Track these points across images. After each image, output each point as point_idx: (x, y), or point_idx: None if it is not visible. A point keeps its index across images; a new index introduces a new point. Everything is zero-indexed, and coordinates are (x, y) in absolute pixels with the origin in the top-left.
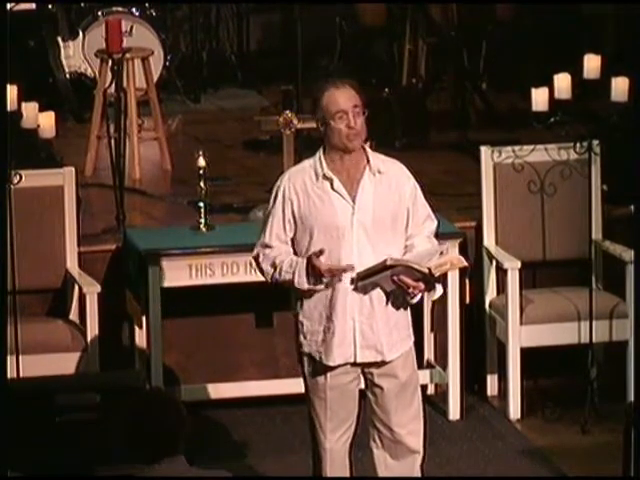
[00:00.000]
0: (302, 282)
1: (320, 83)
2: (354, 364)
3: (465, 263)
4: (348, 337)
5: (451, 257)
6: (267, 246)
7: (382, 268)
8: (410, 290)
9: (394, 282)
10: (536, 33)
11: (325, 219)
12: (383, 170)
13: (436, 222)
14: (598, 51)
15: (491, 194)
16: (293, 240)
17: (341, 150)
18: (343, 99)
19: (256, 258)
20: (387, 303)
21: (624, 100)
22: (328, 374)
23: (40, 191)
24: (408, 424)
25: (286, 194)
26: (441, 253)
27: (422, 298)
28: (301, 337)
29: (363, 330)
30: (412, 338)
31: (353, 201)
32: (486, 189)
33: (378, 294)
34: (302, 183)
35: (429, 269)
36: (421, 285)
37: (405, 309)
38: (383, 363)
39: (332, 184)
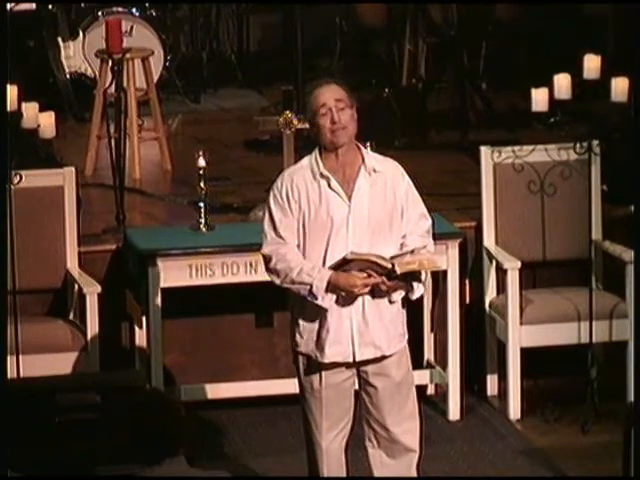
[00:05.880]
0: (320, 289)
1: (309, 83)
2: (351, 364)
3: (437, 266)
4: (345, 336)
5: (421, 257)
6: (280, 241)
7: (342, 263)
8: (382, 286)
9: None
10: (536, 33)
11: (322, 218)
12: (378, 169)
13: (430, 220)
14: (598, 51)
15: (491, 194)
16: None
17: (331, 148)
18: (324, 94)
19: (268, 257)
20: (379, 299)
21: (624, 100)
22: (323, 373)
23: (40, 191)
24: (403, 423)
25: (289, 193)
26: (412, 252)
27: (422, 297)
28: (297, 336)
29: (360, 328)
30: (406, 337)
31: (349, 200)
32: (486, 189)
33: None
34: (302, 181)
35: (392, 265)
36: (387, 281)
37: (399, 308)
38: (379, 360)
39: (329, 183)
